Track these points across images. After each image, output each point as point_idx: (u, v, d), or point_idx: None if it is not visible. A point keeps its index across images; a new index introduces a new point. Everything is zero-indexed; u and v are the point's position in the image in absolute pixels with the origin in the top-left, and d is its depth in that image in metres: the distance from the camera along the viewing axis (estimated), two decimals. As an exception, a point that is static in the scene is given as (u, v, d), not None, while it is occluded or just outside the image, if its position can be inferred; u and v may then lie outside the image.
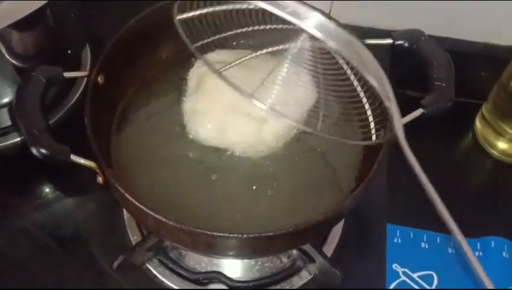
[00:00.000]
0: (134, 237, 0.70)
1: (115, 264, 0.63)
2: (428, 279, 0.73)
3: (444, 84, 0.59)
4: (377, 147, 0.59)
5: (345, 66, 0.57)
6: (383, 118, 0.56)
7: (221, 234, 0.52)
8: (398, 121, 0.52)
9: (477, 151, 0.86)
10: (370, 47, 0.56)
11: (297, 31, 0.55)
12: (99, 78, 0.61)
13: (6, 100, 0.71)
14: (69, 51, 0.71)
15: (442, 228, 0.73)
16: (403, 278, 0.73)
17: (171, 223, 0.52)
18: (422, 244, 0.76)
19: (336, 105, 0.58)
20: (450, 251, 0.76)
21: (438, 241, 0.76)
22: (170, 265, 0.68)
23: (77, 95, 0.78)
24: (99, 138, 0.58)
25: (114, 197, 0.58)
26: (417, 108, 0.60)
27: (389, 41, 0.64)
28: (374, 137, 0.56)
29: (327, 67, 0.55)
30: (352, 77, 0.57)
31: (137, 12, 0.65)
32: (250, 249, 0.55)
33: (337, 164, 0.65)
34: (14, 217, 0.73)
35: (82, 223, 0.72)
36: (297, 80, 0.55)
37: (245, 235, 0.52)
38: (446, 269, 0.74)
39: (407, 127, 0.56)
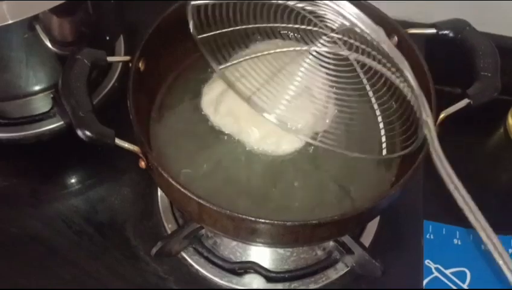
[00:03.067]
0: (169, 225, 0.69)
1: (153, 250, 0.62)
2: (461, 276, 0.72)
3: (489, 74, 0.58)
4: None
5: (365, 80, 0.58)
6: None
7: (266, 221, 0.51)
8: (435, 136, 0.51)
9: (509, 146, 0.85)
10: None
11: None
12: (140, 64, 0.61)
13: (43, 86, 0.71)
14: (107, 38, 0.71)
15: None
16: (436, 274, 0.72)
17: (216, 208, 0.52)
18: (455, 241, 0.75)
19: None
20: (483, 247, 0.75)
21: (471, 237, 0.75)
22: (206, 254, 0.67)
23: (112, 82, 0.79)
24: (140, 124, 0.58)
25: (156, 182, 0.58)
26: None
27: (433, 31, 0.63)
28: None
29: (344, 79, 0.56)
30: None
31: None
32: (293, 237, 0.55)
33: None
34: (51, 202, 0.73)
35: (117, 209, 0.72)
36: (312, 94, 0.56)
37: (290, 223, 0.52)
38: (479, 266, 0.73)
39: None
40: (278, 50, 0.63)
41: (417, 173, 0.56)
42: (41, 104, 0.75)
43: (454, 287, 0.71)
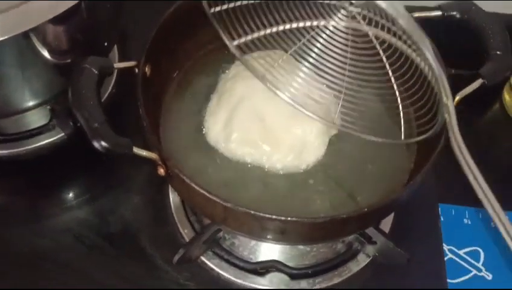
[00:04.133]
0: (185, 231, 0.68)
1: (175, 258, 0.61)
2: (475, 255, 0.73)
3: (500, 52, 0.58)
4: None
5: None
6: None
7: (295, 219, 0.50)
8: (455, 120, 0.51)
9: (505, 122, 0.85)
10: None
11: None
12: (146, 69, 0.59)
13: (41, 99, 0.68)
14: (105, 43, 0.69)
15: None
16: (450, 255, 0.73)
17: (244, 210, 0.51)
18: (465, 221, 0.76)
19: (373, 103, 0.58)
20: (493, 225, 0.75)
21: (480, 216, 0.76)
22: (225, 256, 0.66)
23: (109, 91, 0.77)
24: (154, 132, 0.57)
25: (175, 188, 0.56)
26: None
27: (438, 13, 0.63)
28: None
29: (363, 57, 0.55)
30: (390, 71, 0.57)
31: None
32: (322, 233, 0.54)
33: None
34: (57, 217, 0.71)
35: (129, 219, 0.70)
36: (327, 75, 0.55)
37: (319, 219, 0.51)
38: (491, 244, 0.73)
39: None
40: (294, 25, 0.60)
41: (439, 158, 0.56)
42: (40, 117, 0.73)
43: (469, 267, 0.71)
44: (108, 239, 0.69)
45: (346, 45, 0.55)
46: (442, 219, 0.75)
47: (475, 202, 0.73)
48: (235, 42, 0.56)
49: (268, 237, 0.55)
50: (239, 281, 0.65)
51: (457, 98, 0.58)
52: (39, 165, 0.73)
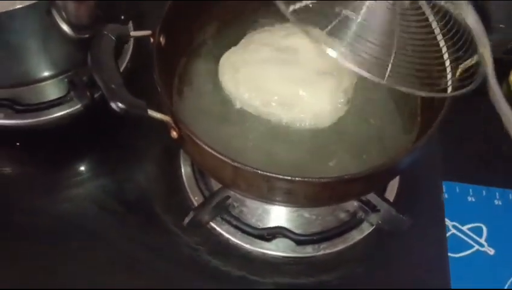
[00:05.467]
0: (195, 198, 0.70)
1: (186, 220, 0.64)
2: (477, 231, 0.74)
3: (504, 26, 0.60)
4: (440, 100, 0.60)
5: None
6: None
7: (302, 179, 0.53)
8: (492, 68, 0.52)
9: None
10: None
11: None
12: (161, 38, 0.62)
13: (60, 70, 0.72)
14: (122, 17, 0.72)
15: (487, 181, 0.77)
16: (453, 231, 0.74)
17: (251, 169, 0.53)
18: (469, 198, 0.77)
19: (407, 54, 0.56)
20: (496, 203, 0.77)
21: (484, 194, 0.78)
22: (234, 223, 0.69)
23: (125, 63, 0.79)
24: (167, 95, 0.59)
25: (187, 151, 0.59)
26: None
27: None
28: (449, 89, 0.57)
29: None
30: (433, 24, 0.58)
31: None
32: (327, 194, 0.56)
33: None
34: (75, 185, 0.74)
35: (144, 187, 0.73)
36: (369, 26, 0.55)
37: (325, 179, 0.53)
38: (494, 221, 0.75)
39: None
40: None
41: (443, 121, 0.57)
42: (57, 88, 0.76)
43: (472, 242, 0.73)
44: (125, 205, 0.72)
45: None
46: (446, 196, 0.77)
47: (478, 180, 0.77)
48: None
49: (276, 198, 0.57)
50: (247, 245, 0.68)
51: (459, 69, 0.60)
52: (57, 136, 0.76)
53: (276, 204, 0.64)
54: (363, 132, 0.65)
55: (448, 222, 0.75)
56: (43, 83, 0.73)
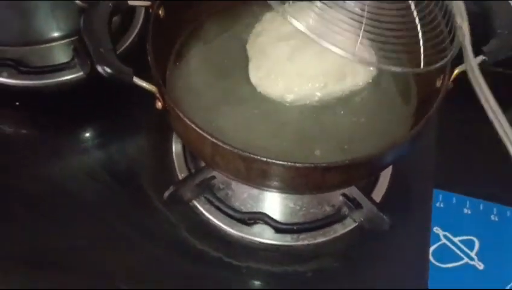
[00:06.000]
0: (182, 174, 0.71)
1: (166, 194, 0.64)
2: (469, 244, 0.73)
3: (506, 32, 0.59)
4: (434, 93, 0.59)
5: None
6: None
7: (277, 162, 0.53)
8: (469, 42, 0.50)
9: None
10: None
11: None
12: (160, 11, 0.63)
13: (64, 33, 0.73)
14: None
15: (486, 195, 0.75)
16: (444, 241, 0.73)
17: (228, 147, 0.53)
18: (465, 210, 0.76)
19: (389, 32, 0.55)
20: (492, 218, 0.75)
21: (481, 208, 0.76)
22: (217, 204, 0.69)
23: (134, 35, 0.80)
24: (158, 68, 0.59)
25: (172, 124, 0.59)
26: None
27: (448, -11, 0.64)
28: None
29: None
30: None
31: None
32: (303, 180, 0.56)
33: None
34: (72, 153, 0.76)
35: (134, 159, 0.74)
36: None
37: (300, 164, 0.53)
38: (488, 236, 0.73)
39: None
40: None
41: (429, 124, 0.57)
42: (62, 54, 0.77)
43: (462, 255, 0.72)
44: (114, 177, 0.73)
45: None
46: (442, 205, 0.75)
47: (477, 193, 0.75)
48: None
49: (253, 179, 0.57)
50: (227, 228, 0.68)
51: (456, 71, 0.59)
52: (57, 101, 0.78)
53: (255, 186, 0.63)
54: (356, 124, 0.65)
55: (439, 231, 0.73)
56: (48, 45, 0.74)
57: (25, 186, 0.71)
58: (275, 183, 0.57)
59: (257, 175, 0.56)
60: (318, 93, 0.64)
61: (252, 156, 0.53)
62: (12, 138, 0.77)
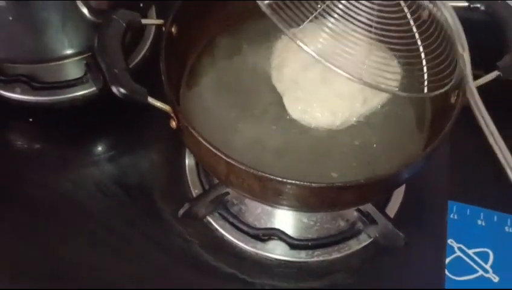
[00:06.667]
0: (195, 190, 0.71)
1: (181, 211, 0.64)
2: (483, 256, 0.72)
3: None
4: (449, 109, 0.58)
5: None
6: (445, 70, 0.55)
7: (292, 181, 0.52)
8: (470, 71, 0.51)
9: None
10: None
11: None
12: (172, 29, 0.62)
13: (77, 50, 0.73)
14: (141, 4, 0.72)
15: (500, 207, 0.75)
16: (458, 253, 0.72)
17: (243, 167, 0.53)
18: (479, 222, 0.75)
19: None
20: (507, 229, 0.75)
21: (495, 219, 0.75)
22: (231, 220, 0.69)
23: (144, 50, 0.80)
24: (171, 87, 0.59)
25: (185, 142, 0.59)
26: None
27: (464, 3, 0.63)
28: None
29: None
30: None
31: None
32: (318, 200, 0.55)
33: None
34: (83, 167, 0.76)
35: (146, 174, 0.74)
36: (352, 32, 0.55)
37: (316, 184, 0.53)
38: (502, 248, 0.73)
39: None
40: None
41: (443, 140, 0.56)
42: (75, 70, 0.77)
43: (476, 267, 0.71)
44: (126, 191, 0.72)
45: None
46: (456, 217, 0.75)
47: (491, 204, 0.75)
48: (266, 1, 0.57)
49: (268, 198, 0.57)
50: (241, 244, 0.68)
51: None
52: (70, 116, 0.78)
53: (270, 205, 0.63)
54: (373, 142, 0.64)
55: (454, 244, 0.73)
56: (61, 62, 0.75)
57: (37, 198, 0.71)
58: (290, 202, 0.57)
59: (272, 194, 0.56)
60: (361, 110, 0.64)
61: (267, 175, 0.53)
62: (26, 152, 0.78)
